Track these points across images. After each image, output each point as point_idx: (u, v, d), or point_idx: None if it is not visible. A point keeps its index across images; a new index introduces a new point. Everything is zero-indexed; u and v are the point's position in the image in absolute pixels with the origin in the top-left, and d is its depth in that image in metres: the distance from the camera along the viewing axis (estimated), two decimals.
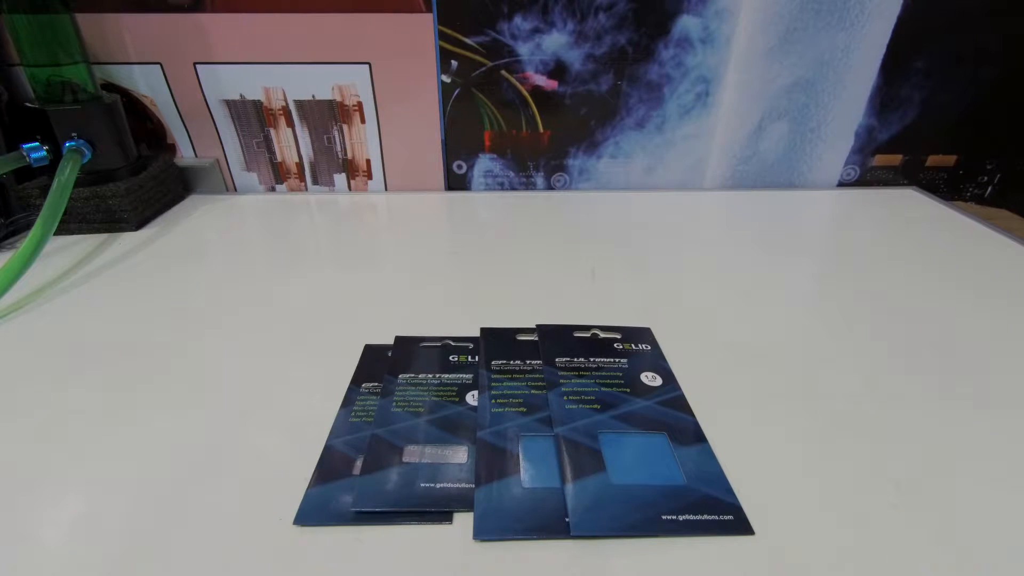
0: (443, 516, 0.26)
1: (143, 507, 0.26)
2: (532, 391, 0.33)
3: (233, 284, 0.46)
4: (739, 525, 0.25)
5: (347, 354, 0.37)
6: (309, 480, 0.27)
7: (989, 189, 0.67)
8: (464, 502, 0.26)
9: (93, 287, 0.45)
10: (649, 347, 0.37)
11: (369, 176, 0.66)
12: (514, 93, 0.61)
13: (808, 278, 0.47)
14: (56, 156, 0.50)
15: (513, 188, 0.67)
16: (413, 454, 0.29)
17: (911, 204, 0.61)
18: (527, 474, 0.27)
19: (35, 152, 0.50)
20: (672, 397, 0.33)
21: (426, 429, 0.30)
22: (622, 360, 0.36)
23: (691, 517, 0.25)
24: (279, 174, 0.65)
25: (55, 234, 0.47)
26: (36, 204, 0.52)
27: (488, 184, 0.66)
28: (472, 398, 0.33)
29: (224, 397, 0.33)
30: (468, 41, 0.58)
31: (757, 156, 0.65)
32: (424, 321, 0.40)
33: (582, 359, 0.36)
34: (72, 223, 0.54)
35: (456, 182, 0.66)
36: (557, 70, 0.59)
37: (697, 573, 0.23)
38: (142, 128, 0.61)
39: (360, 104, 0.61)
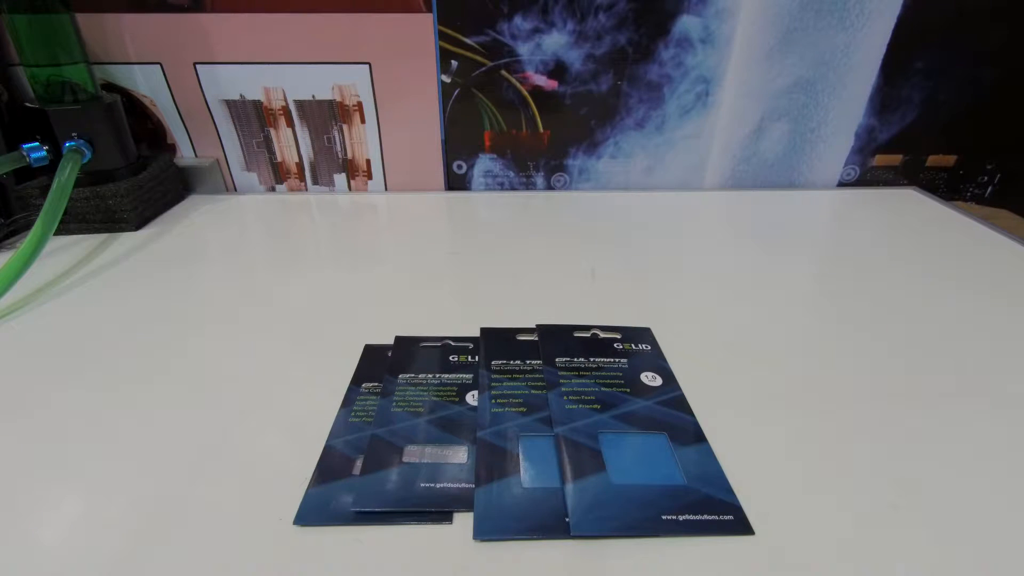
0: (443, 516, 0.26)
1: (143, 507, 0.26)
2: (532, 391, 0.33)
3: (233, 284, 0.46)
4: (739, 525, 0.25)
5: (347, 354, 0.37)
6: (309, 480, 0.27)
7: (989, 189, 0.67)
8: (464, 502, 0.26)
9: (93, 287, 0.45)
10: (649, 347, 0.37)
11: (369, 176, 0.66)
12: (514, 93, 0.61)
13: (808, 278, 0.47)
14: (56, 156, 0.50)
15: (513, 188, 0.67)
16: (413, 454, 0.29)
17: (911, 204, 0.61)
18: (527, 474, 0.27)
19: (35, 152, 0.50)
20: (672, 397, 0.33)
21: (426, 429, 0.30)
22: (622, 360, 0.36)
23: (691, 517, 0.25)
24: (279, 174, 0.65)
25: (55, 234, 0.47)
26: (36, 204, 0.52)
27: (488, 184, 0.66)
28: (472, 398, 0.33)
29: (224, 397, 0.33)
30: (468, 41, 0.58)
31: (757, 156, 0.65)
32: (424, 321, 0.40)
33: (582, 359, 0.36)
34: (72, 223, 0.54)
35: (456, 182, 0.66)
36: (557, 70, 0.59)
37: (697, 573, 0.23)
38: (142, 128, 0.61)
39: (360, 104, 0.61)
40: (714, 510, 0.26)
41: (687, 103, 0.61)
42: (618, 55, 0.58)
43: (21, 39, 0.49)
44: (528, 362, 0.35)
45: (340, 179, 0.66)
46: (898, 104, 0.62)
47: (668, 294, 0.44)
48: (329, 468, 0.28)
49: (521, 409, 0.31)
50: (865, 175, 0.66)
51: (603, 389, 0.33)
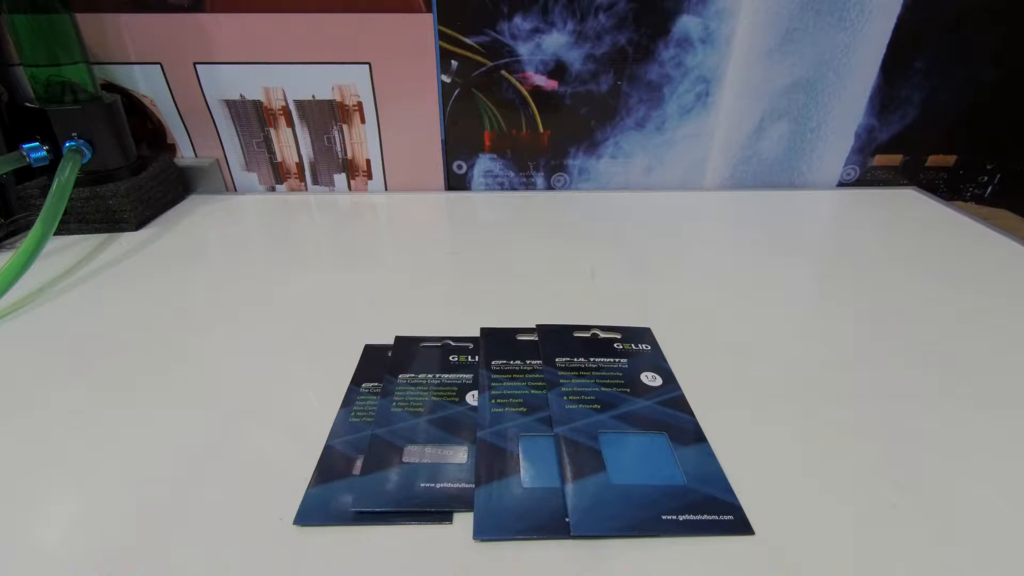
0: (443, 516, 0.26)
1: (143, 507, 0.26)
2: (532, 391, 0.33)
3: (233, 284, 0.46)
4: (739, 525, 0.25)
5: (347, 354, 0.37)
6: (309, 480, 0.27)
7: (989, 189, 0.67)
8: (464, 502, 0.26)
9: (93, 287, 0.45)
10: (649, 347, 0.37)
11: (369, 176, 0.66)
12: (514, 93, 0.61)
13: (808, 278, 0.47)
14: (56, 156, 0.50)
15: (513, 188, 0.67)
16: (413, 454, 0.29)
17: (911, 204, 0.61)
18: (527, 474, 0.27)
19: (35, 152, 0.50)
20: (672, 397, 0.33)
21: (426, 429, 0.30)
22: (622, 360, 0.36)
23: (691, 517, 0.25)
24: (279, 174, 0.65)
25: (55, 234, 0.47)
26: (36, 204, 0.52)
27: (488, 184, 0.66)
28: (472, 398, 0.33)
29: (224, 397, 0.33)
30: (468, 41, 0.58)
31: (757, 156, 0.65)
32: (424, 321, 0.40)
33: (582, 359, 0.36)
34: (72, 223, 0.54)
35: (456, 182, 0.66)
36: (557, 70, 0.59)
37: (697, 573, 0.23)
38: (142, 128, 0.61)
39: (360, 104, 0.61)
40: (714, 510, 0.26)
41: (687, 103, 0.61)
42: (618, 55, 0.58)
43: (21, 39, 0.49)
44: (528, 362, 0.35)
45: (340, 179, 0.66)
46: (898, 104, 0.62)
47: (668, 294, 0.44)
48: (329, 468, 0.28)
49: (521, 409, 0.31)
50: (865, 175, 0.66)
51: (603, 389, 0.33)
